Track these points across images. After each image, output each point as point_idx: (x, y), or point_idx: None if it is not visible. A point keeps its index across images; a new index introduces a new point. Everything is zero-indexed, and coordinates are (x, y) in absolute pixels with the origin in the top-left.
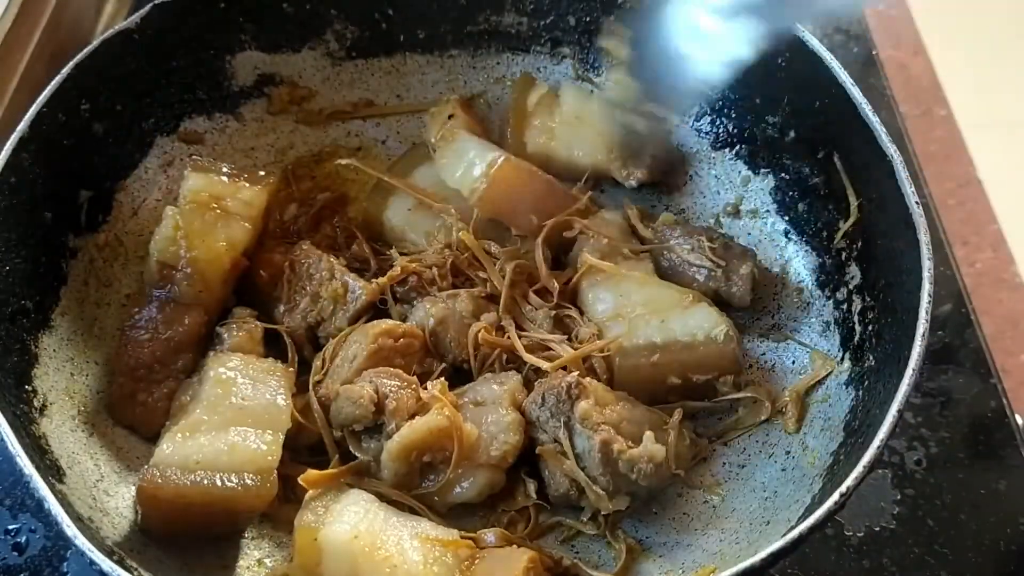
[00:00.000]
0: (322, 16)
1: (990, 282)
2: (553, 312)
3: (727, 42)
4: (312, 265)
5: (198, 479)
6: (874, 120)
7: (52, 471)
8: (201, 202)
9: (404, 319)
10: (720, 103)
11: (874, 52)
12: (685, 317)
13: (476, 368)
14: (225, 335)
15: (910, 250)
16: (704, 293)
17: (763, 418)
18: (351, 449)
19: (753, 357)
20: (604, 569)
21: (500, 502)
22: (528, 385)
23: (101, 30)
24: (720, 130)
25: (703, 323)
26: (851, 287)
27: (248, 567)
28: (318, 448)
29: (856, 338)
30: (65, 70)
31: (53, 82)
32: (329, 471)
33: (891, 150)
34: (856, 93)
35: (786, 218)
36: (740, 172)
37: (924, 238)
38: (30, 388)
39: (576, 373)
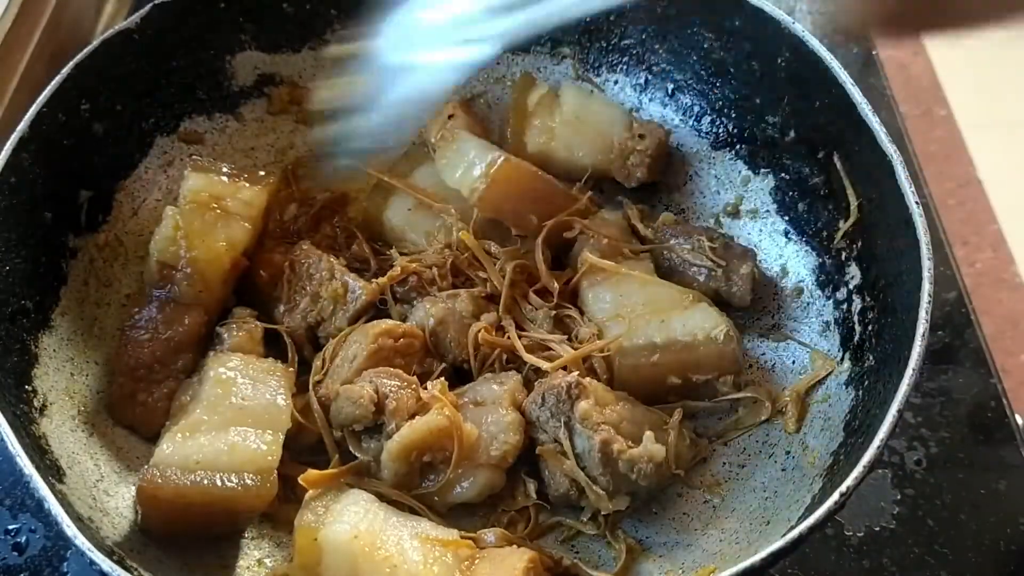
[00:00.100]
0: (322, 16)
1: (990, 282)
2: (553, 312)
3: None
4: (312, 265)
5: (198, 479)
6: (874, 120)
7: (52, 471)
8: (201, 202)
9: (404, 319)
10: (720, 103)
11: (874, 52)
12: (685, 317)
13: (476, 368)
14: (225, 335)
15: (910, 250)
16: (704, 293)
17: (763, 418)
18: (351, 449)
19: (753, 357)
20: (604, 569)
21: (500, 502)
22: (528, 385)
23: (101, 30)
24: (720, 130)
25: (703, 323)
26: (851, 287)
27: (248, 567)
28: (318, 448)
29: (856, 338)
30: (65, 70)
31: (53, 82)
32: (329, 471)
33: (891, 150)
34: (856, 93)
35: (786, 218)
36: (740, 172)
37: (924, 238)
38: (30, 388)
39: (576, 373)
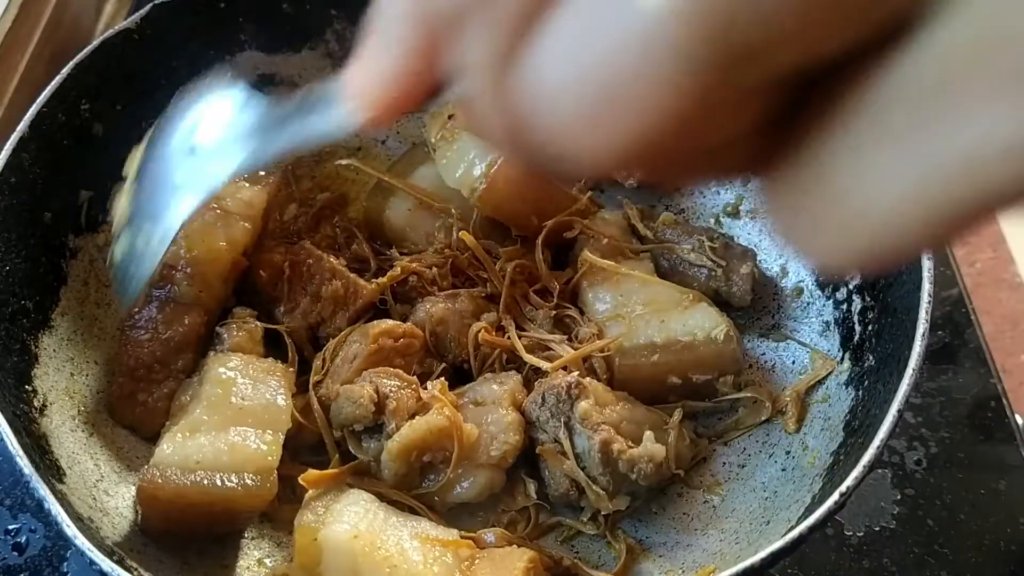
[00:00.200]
0: (322, 16)
1: (990, 282)
2: (553, 312)
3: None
4: (312, 265)
5: (198, 479)
6: None
7: (52, 471)
8: None
9: (404, 319)
10: None
11: None
12: (685, 317)
13: (476, 368)
14: (225, 335)
15: None
16: (704, 293)
17: (763, 418)
18: (351, 449)
19: (753, 357)
20: (604, 569)
21: (500, 502)
22: (528, 385)
23: (101, 30)
24: None
25: (703, 323)
26: (851, 287)
27: (248, 567)
28: (318, 448)
29: (856, 338)
30: (65, 70)
31: (53, 82)
32: (329, 471)
33: None
34: None
35: None
36: None
37: None
38: (30, 388)
39: (576, 373)
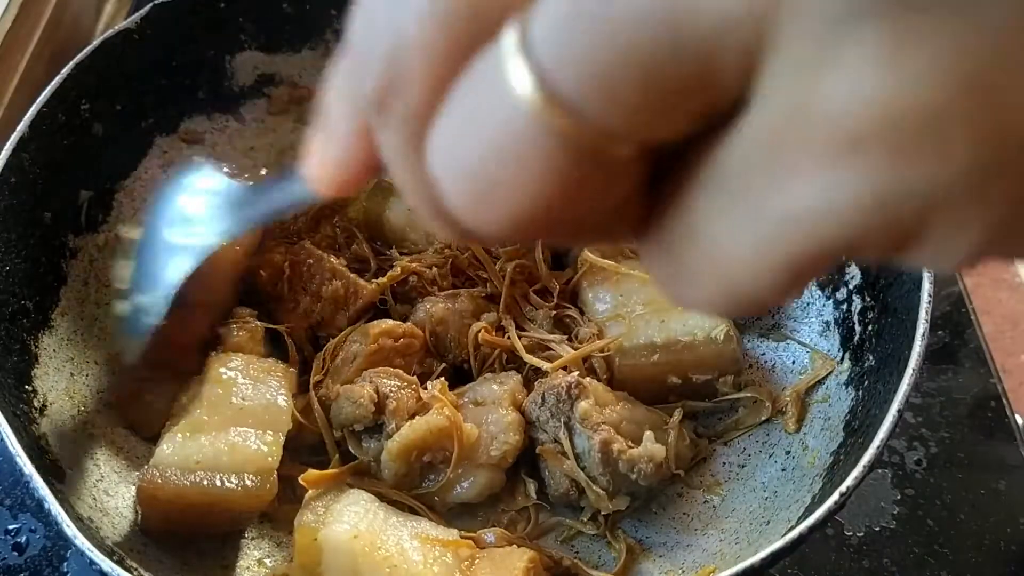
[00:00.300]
0: (322, 16)
1: (990, 282)
2: (553, 312)
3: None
4: (312, 265)
5: (198, 479)
6: None
7: (52, 471)
8: None
9: (404, 319)
10: None
11: None
12: (685, 317)
13: (476, 368)
14: (226, 335)
15: None
16: None
17: (763, 418)
18: (351, 449)
19: (753, 357)
20: (604, 569)
21: (500, 502)
22: (528, 385)
23: (101, 30)
24: None
25: (703, 323)
26: (851, 287)
27: (248, 567)
28: (319, 448)
29: (856, 338)
30: (65, 70)
31: (53, 82)
32: (330, 471)
33: None
34: None
35: None
36: None
37: None
38: (30, 388)
39: (576, 373)
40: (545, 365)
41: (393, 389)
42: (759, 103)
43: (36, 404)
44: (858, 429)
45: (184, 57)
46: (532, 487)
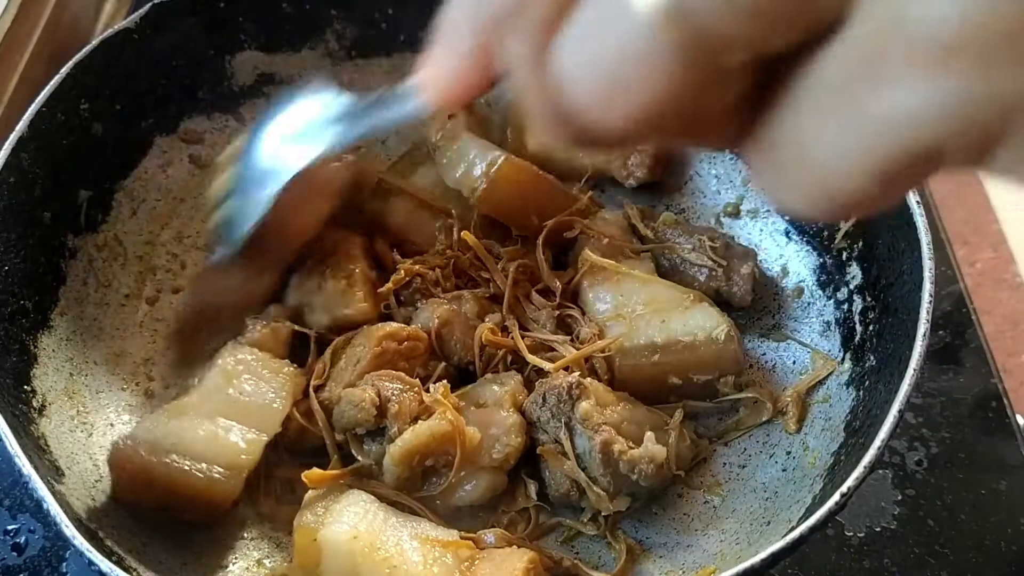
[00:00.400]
0: (322, 16)
1: (990, 282)
2: (556, 312)
3: None
4: (339, 244)
5: (167, 460)
6: None
7: (51, 471)
8: None
9: (408, 322)
10: None
11: None
12: (686, 317)
13: (480, 369)
14: (251, 327)
15: (911, 250)
16: (705, 293)
17: (764, 418)
18: (353, 452)
19: (754, 357)
20: (604, 569)
21: (500, 503)
22: (530, 386)
23: (101, 30)
24: None
25: (704, 323)
26: (852, 287)
27: (248, 567)
28: (320, 451)
29: (857, 338)
30: (64, 70)
31: (52, 82)
32: (332, 471)
33: None
34: None
35: (786, 218)
36: (740, 172)
37: (925, 238)
38: (29, 388)
39: (577, 373)
40: (547, 365)
41: (395, 392)
42: (859, 17)
43: (35, 404)
44: (859, 429)
45: (184, 57)
46: (533, 488)
